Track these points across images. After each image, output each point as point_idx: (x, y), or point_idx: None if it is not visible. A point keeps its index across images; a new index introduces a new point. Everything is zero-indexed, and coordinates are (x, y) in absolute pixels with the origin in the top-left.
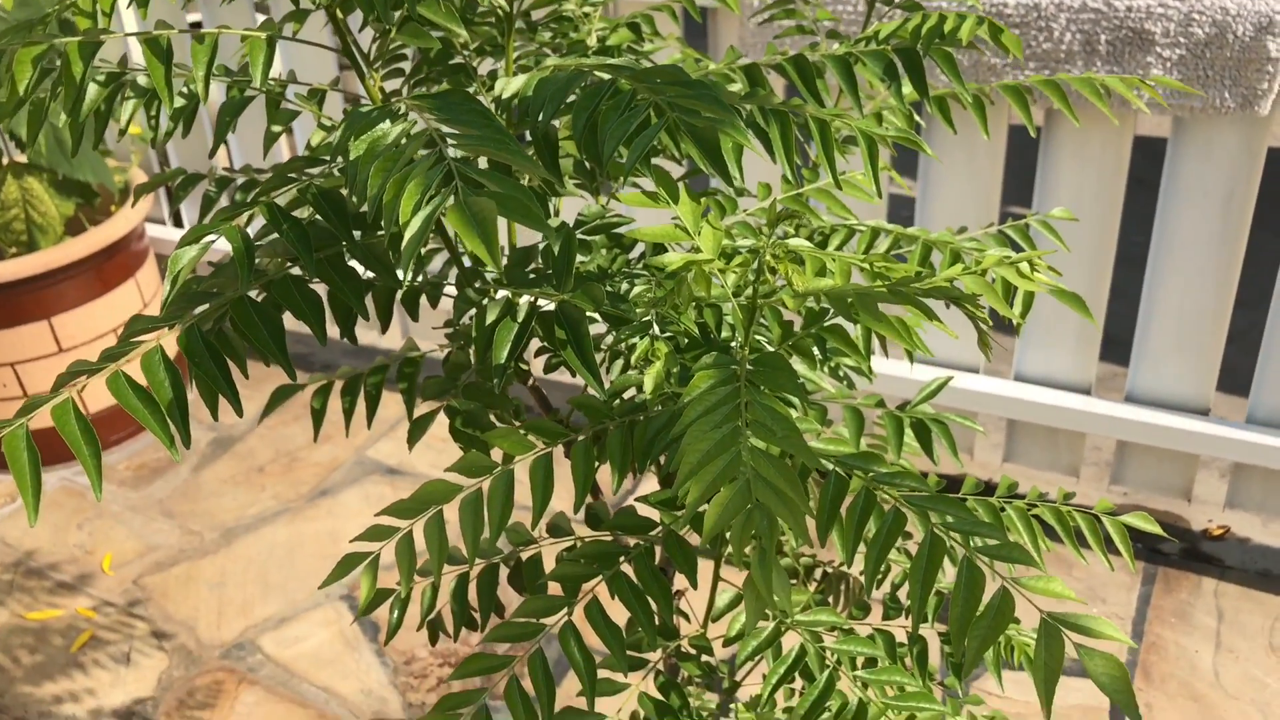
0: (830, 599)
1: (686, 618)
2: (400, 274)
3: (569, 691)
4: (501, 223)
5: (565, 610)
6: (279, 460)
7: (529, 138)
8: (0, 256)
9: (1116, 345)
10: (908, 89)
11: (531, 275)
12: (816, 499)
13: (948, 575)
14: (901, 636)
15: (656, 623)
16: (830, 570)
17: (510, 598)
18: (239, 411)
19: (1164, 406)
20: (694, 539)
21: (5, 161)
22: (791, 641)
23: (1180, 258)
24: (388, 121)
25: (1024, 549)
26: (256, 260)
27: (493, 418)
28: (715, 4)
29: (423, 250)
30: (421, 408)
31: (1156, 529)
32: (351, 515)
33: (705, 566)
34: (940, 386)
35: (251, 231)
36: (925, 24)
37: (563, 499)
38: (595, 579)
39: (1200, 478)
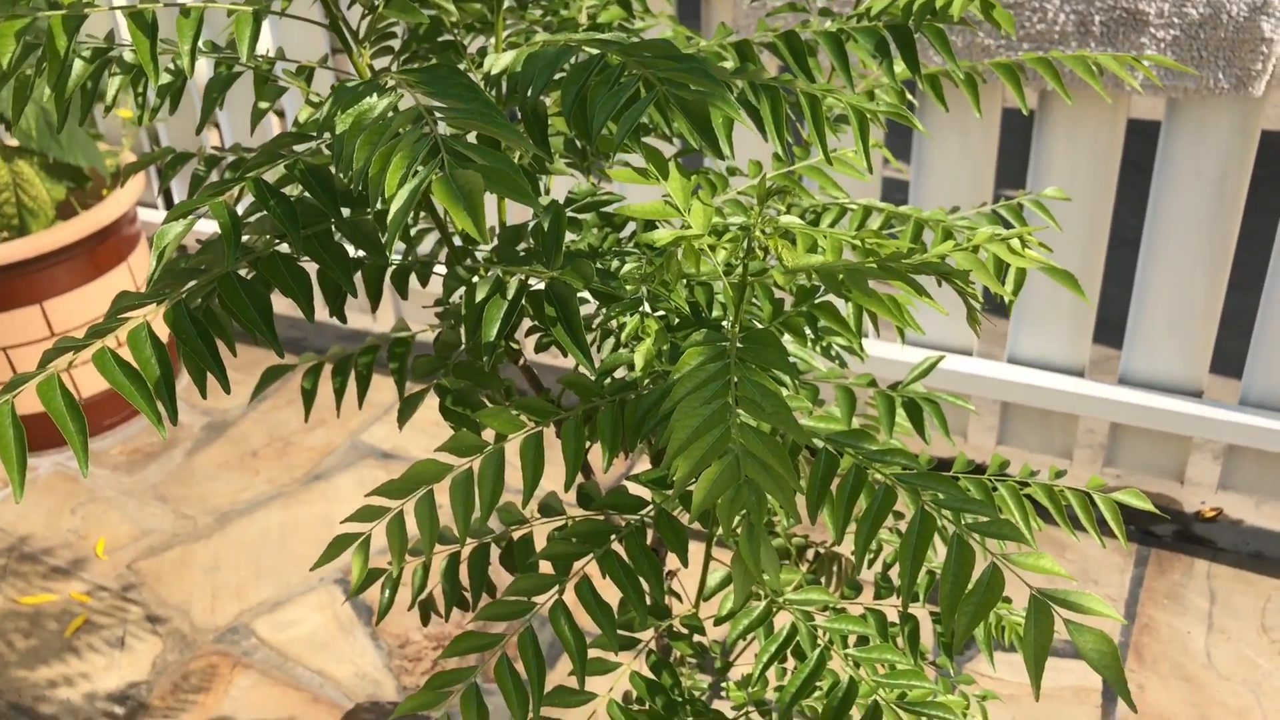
0: (822, 579)
1: (679, 598)
2: (387, 249)
3: (561, 674)
4: (491, 202)
5: (556, 589)
6: (272, 444)
7: (519, 116)
8: None
9: (1110, 328)
10: (900, 67)
11: (521, 253)
12: (807, 477)
13: (939, 554)
14: (893, 616)
15: (648, 602)
16: (822, 551)
17: (502, 578)
18: (226, 388)
19: (1157, 389)
20: (686, 518)
21: None
22: (783, 621)
23: (1174, 239)
24: (374, 95)
25: (1015, 526)
26: (244, 238)
27: (483, 397)
28: None
29: (413, 230)
30: (413, 389)
31: (1148, 506)
32: (345, 499)
33: (697, 548)
34: (932, 366)
35: (240, 210)
36: (917, 0)
37: (554, 480)
38: (586, 558)
39: (1193, 460)
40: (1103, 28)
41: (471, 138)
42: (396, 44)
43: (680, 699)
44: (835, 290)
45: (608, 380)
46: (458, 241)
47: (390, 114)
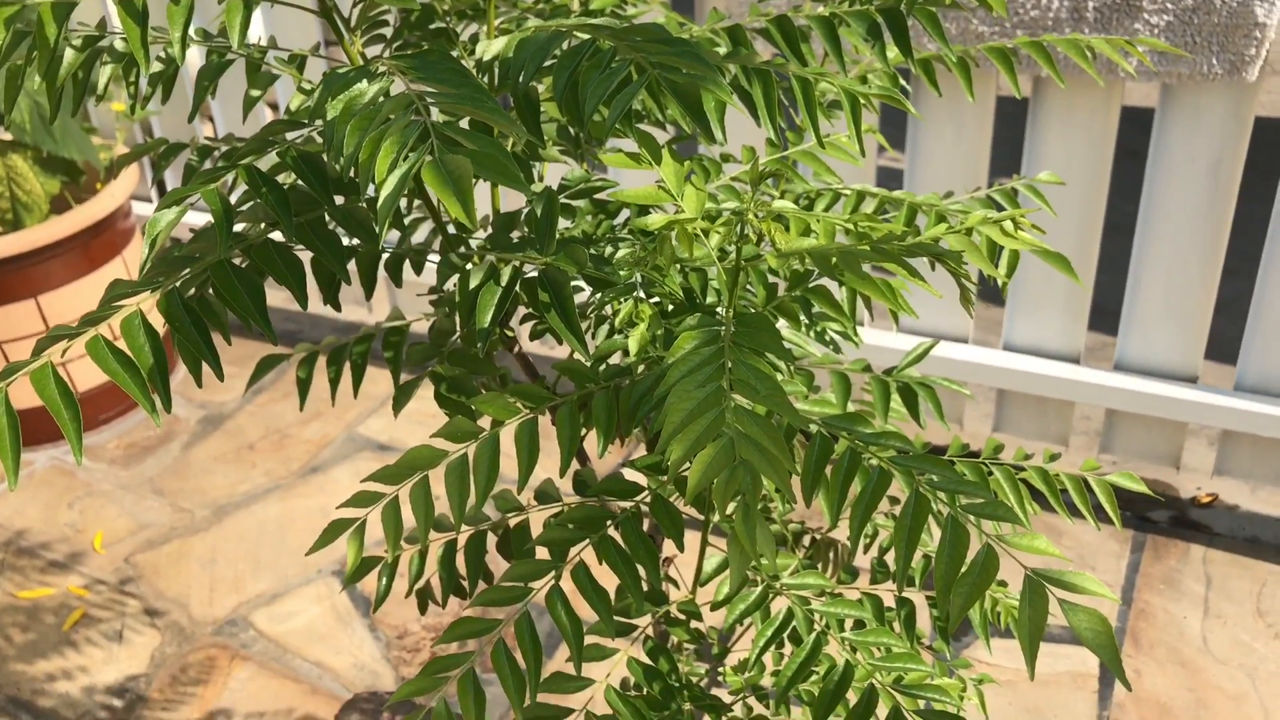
0: (818, 565)
1: (675, 584)
2: (379, 234)
3: (559, 663)
4: (485, 190)
5: (552, 574)
6: (269, 437)
7: (511, 104)
8: None
9: (1105, 315)
10: (893, 52)
11: (515, 241)
12: (802, 461)
13: (934, 538)
14: (889, 601)
15: (645, 587)
16: (818, 537)
17: (499, 566)
18: (220, 375)
19: (1153, 375)
20: (682, 503)
21: None
22: (780, 606)
23: (1168, 225)
24: (365, 81)
25: (1009, 508)
26: (238, 227)
27: (478, 384)
28: None
29: (406, 220)
30: (409, 379)
31: (1142, 487)
32: (342, 491)
33: (694, 536)
34: (926, 350)
35: (233, 200)
36: None
37: (550, 469)
38: (582, 543)
39: (1189, 446)
40: (1096, 14)
41: (464, 124)
42: (388, 32)
43: (677, 684)
44: (828, 273)
45: (602, 367)
46: (451, 230)
47: (381, 99)
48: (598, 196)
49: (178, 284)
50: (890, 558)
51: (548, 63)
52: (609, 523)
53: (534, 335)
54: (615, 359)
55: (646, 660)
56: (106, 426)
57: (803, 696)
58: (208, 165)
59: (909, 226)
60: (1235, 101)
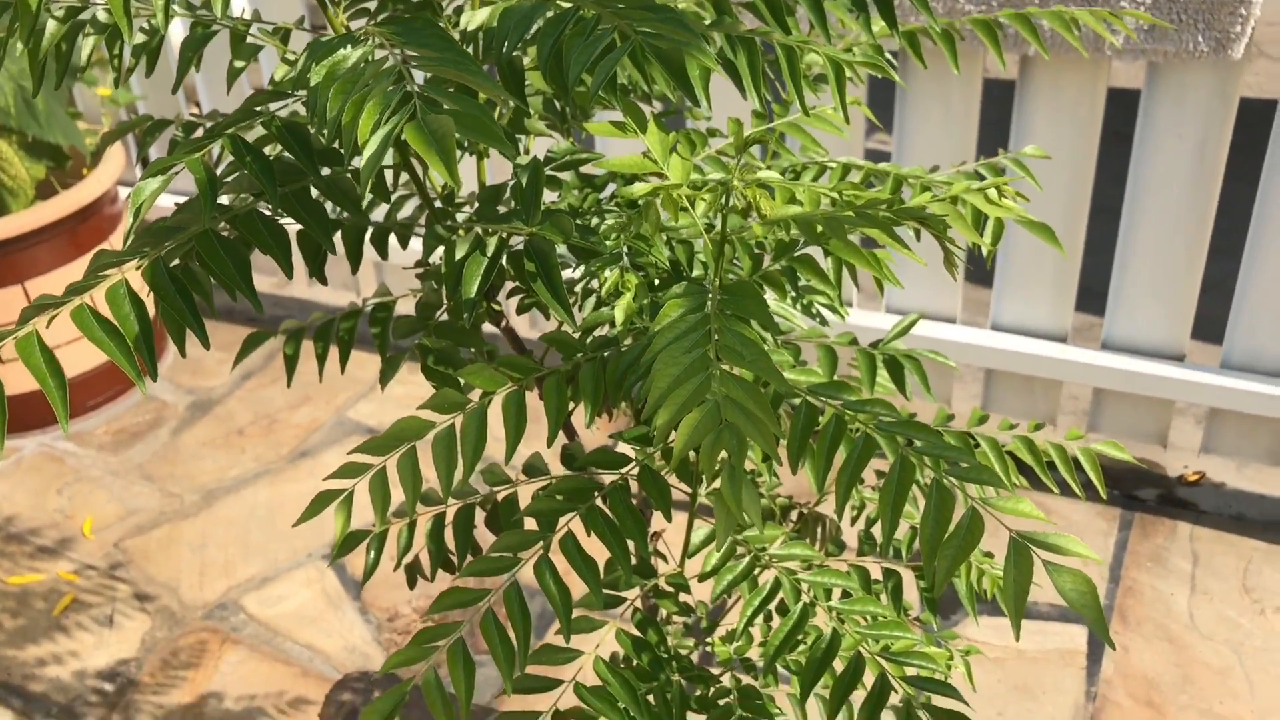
0: (806, 539)
1: (664, 558)
2: (360, 197)
3: (548, 639)
4: (470, 165)
5: (540, 545)
6: (258, 422)
7: (497, 75)
8: None
9: (1093, 297)
10: (879, 25)
11: (501, 213)
12: (788, 431)
13: (920, 509)
14: (876, 574)
15: (633, 558)
16: (806, 512)
17: (487, 540)
18: (205, 343)
19: (1140, 353)
20: (673, 480)
21: None
22: (768, 578)
23: (1155, 203)
24: (348, 47)
25: (994, 472)
26: (223, 199)
27: (466, 357)
28: None
29: (393, 197)
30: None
31: (1127, 456)
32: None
33: (682, 517)
34: (912, 323)
35: (218, 172)
36: None
37: (537, 447)
38: (571, 514)
39: (1176, 425)
40: None
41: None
42: (373, 5)
43: (666, 656)
44: (814, 239)
45: (589, 339)
46: (438, 204)
47: (364, 65)
48: (584, 171)
49: (163, 254)
50: (877, 530)
51: (531, 32)
52: (597, 494)
53: (521, 309)
54: (602, 331)
55: (635, 632)
56: (95, 412)
57: (790, 667)
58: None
59: (894, 196)
60: (1221, 79)
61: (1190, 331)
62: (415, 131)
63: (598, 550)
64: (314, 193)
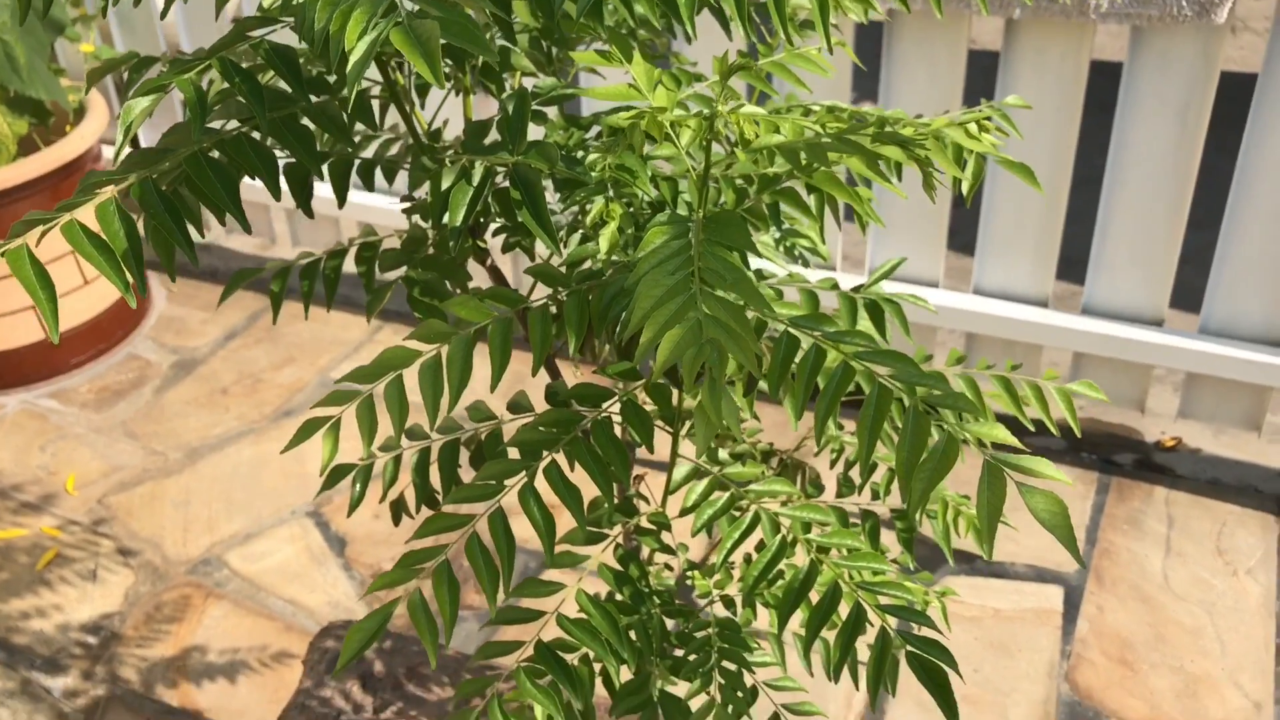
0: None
1: (646, 500)
2: (348, 93)
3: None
4: (457, 105)
5: (524, 473)
6: (242, 382)
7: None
8: None
9: (1074, 265)
10: None
11: (487, 145)
12: (769, 362)
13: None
14: (855, 518)
15: (615, 496)
16: (786, 458)
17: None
18: (194, 260)
19: (1119, 318)
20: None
21: None
22: (748, 515)
23: (1138, 168)
24: None
25: (969, 398)
26: (213, 124)
27: (451, 289)
28: None
29: (380, 135)
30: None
31: (1101, 395)
32: (316, 436)
33: (658, 481)
34: (894, 267)
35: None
36: None
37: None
38: (555, 445)
39: (1154, 392)
40: None
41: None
42: None
43: (647, 590)
44: (797, 166)
45: (574, 274)
46: (425, 141)
47: None
48: (569, 113)
49: (153, 175)
50: (856, 474)
51: None
52: (580, 427)
53: (506, 248)
54: (587, 267)
55: (617, 567)
56: (78, 371)
57: (769, 600)
58: None
59: (876, 129)
60: (1204, 44)
61: (1169, 297)
62: (401, 35)
63: (583, 489)
64: (302, 121)
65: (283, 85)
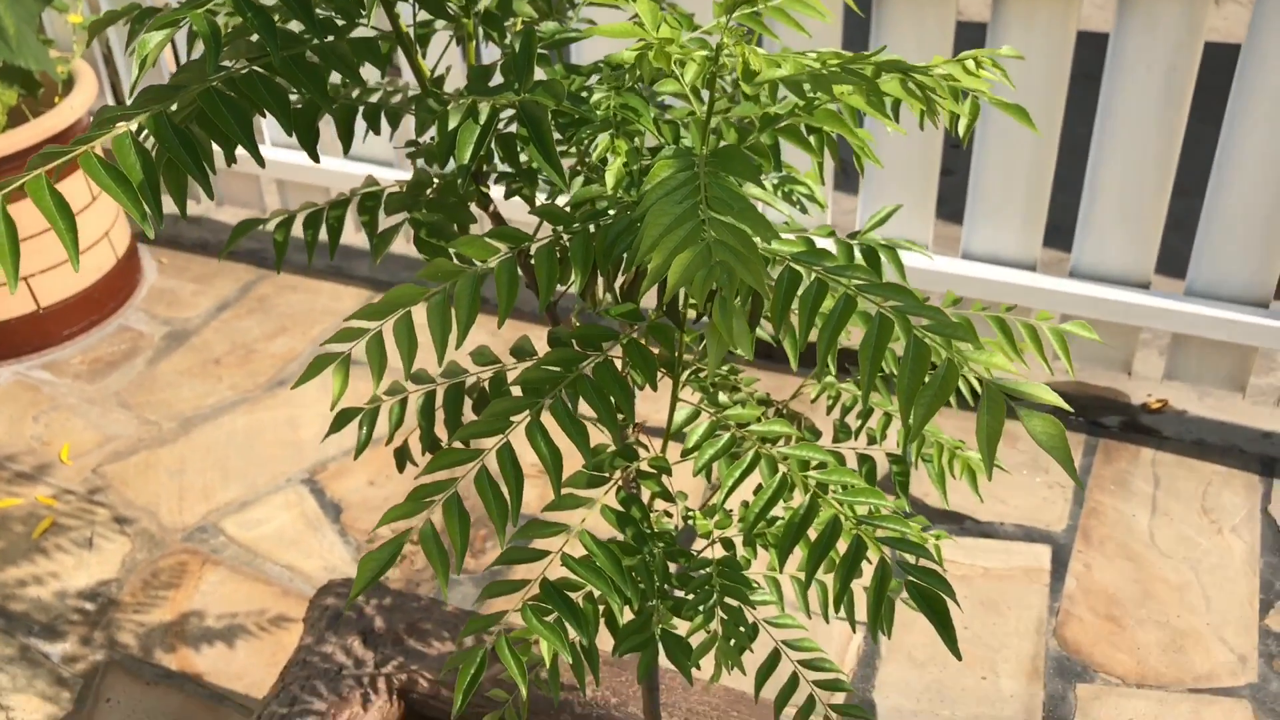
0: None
1: (646, 448)
2: (356, 70)
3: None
4: (457, 54)
5: (529, 410)
6: (235, 352)
7: None
8: None
9: (1061, 232)
10: None
11: (492, 86)
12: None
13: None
14: (852, 462)
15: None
16: (784, 409)
17: None
18: (209, 193)
19: (1107, 280)
20: (656, 352)
21: None
22: (748, 455)
23: (1124, 130)
24: None
25: (968, 327)
26: (223, 61)
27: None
28: None
29: (384, 76)
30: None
31: (1094, 335)
32: (310, 404)
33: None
34: (889, 214)
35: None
36: None
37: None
38: (559, 383)
39: (1140, 355)
40: None
41: None
42: None
43: (649, 532)
44: (800, 95)
45: (579, 213)
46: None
47: None
48: (571, 64)
49: (167, 109)
50: (852, 418)
51: None
52: (583, 365)
53: (509, 194)
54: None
55: (619, 508)
56: (70, 342)
57: (769, 540)
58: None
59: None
60: (1189, 7)
61: (1156, 259)
62: None
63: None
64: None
65: (290, 28)
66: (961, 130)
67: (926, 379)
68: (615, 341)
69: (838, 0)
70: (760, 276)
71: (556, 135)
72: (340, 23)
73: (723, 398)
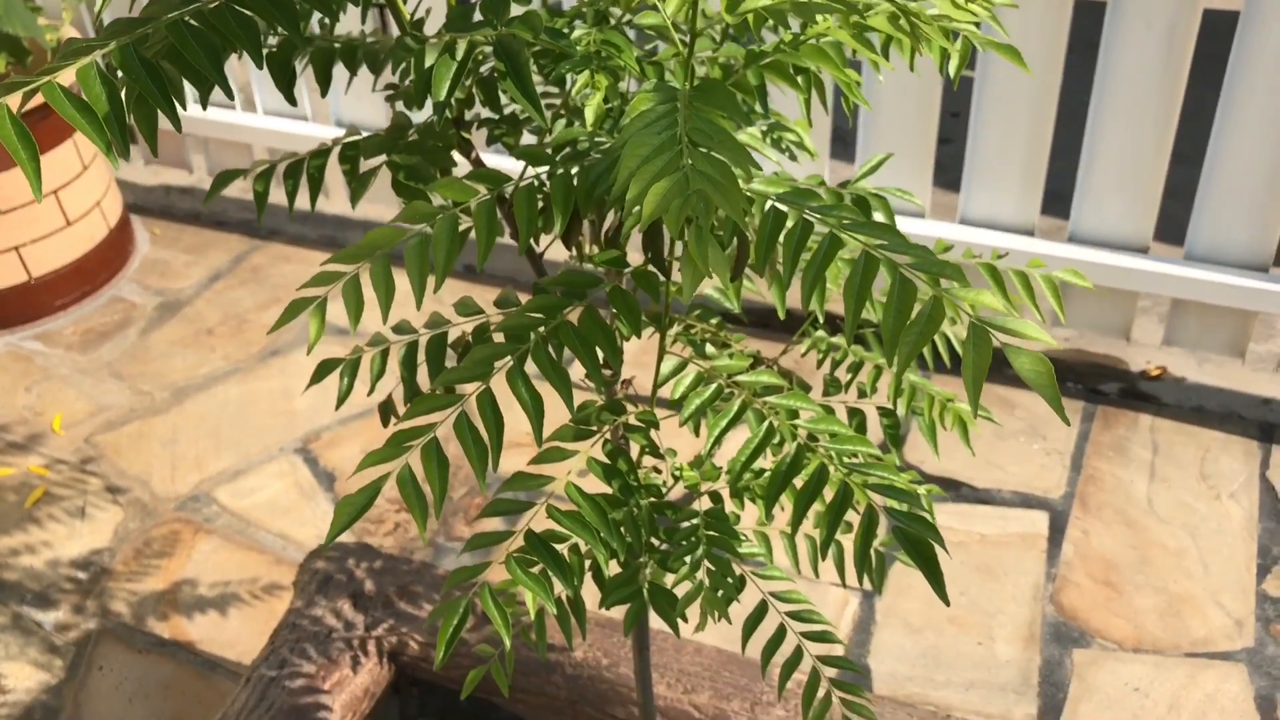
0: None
1: (634, 404)
2: (333, 4)
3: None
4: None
5: (512, 355)
6: (227, 323)
7: None
8: None
9: (1059, 200)
10: None
11: (470, 23)
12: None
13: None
14: (843, 419)
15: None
16: (775, 366)
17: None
18: (177, 126)
19: (1105, 245)
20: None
21: None
22: (735, 404)
23: (1124, 92)
24: None
25: (955, 265)
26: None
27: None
28: None
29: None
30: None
31: (1086, 283)
32: (303, 373)
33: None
34: (880, 162)
35: None
36: None
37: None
38: (542, 328)
39: (1139, 323)
40: None
41: None
42: None
43: (636, 484)
44: (783, 24)
45: (559, 156)
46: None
47: None
48: (551, 3)
49: (133, 40)
50: (842, 372)
51: None
52: (566, 310)
53: (490, 140)
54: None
55: (606, 460)
56: (62, 313)
57: (756, 492)
58: None
59: None
60: None
61: (1155, 223)
62: None
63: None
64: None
65: None
66: (952, 70)
67: (912, 316)
68: (600, 289)
69: None
70: (738, 205)
71: (537, 77)
72: None
73: (711, 350)
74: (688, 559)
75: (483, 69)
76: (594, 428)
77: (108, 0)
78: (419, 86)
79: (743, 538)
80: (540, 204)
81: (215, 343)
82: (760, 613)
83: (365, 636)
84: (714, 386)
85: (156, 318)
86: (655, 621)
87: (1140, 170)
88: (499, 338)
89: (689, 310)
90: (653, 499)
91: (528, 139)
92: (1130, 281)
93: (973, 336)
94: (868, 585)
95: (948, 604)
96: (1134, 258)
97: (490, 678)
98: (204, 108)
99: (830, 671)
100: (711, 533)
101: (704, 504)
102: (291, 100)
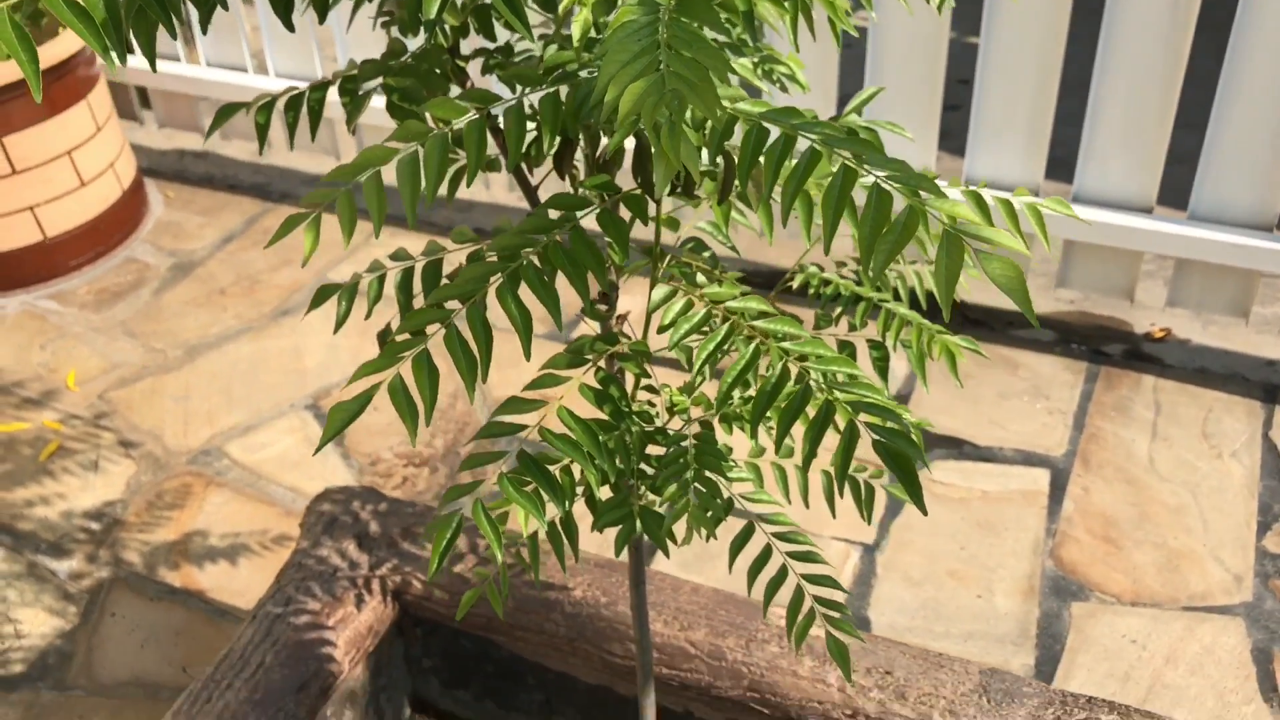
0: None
1: (628, 337)
2: None
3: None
4: None
5: (501, 272)
6: (240, 283)
7: None
8: None
9: (1062, 166)
10: None
11: None
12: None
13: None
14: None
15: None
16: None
17: None
18: (173, 34)
19: (1110, 205)
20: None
21: None
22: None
23: (1128, 52)
24: None
25: (930, 178)
26: None
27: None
28: None
29: None
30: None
31: (1071, 213)
32: (313, 333)
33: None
34: (872, 96)
35: None
36: None
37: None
38: (532, 248)
39: (1143, 285)
40: None
41: None
42: None
43: (628, 410)
44: None
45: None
46: None
47: None
48: None
49: None
50: (833, 309)
51: None
52: (556, 230)
53: (485, 69)
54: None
55: (598, 386)
56: (76, 273)
57: (743, 415)
58: None
59: None
60: None
61: (1159, 183)
62: None
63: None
64: None
65: None
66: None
67: (888, 224)
68: (590, 210)
69: None
70: (714, 105)
71: (531, 8)
72: None
73: (700, 277)
74: (676, 480)
75: None
76: (588, 356)
77: None
78: (410, 7)
79: (732, 464)
80: (533, 132)
81: (227, 302)
82: (747, 533)
83: (369, 576)
84: (703, 311)
85: (170, 278)
86: (653, 564)
87: (1145, 129)
88: (492, 259)
89: (682, 247)
90: (644, 423)
91: None
92: (1134, 241)
93: (945, 243)
94: (866, 538)
95: (925, 513)
96: (1138, 217)
97: (492, 614)
98: (204, 31)
99: (815, 590)
100: (700, 455)
101: (694, 430)
102: (290, 26)
